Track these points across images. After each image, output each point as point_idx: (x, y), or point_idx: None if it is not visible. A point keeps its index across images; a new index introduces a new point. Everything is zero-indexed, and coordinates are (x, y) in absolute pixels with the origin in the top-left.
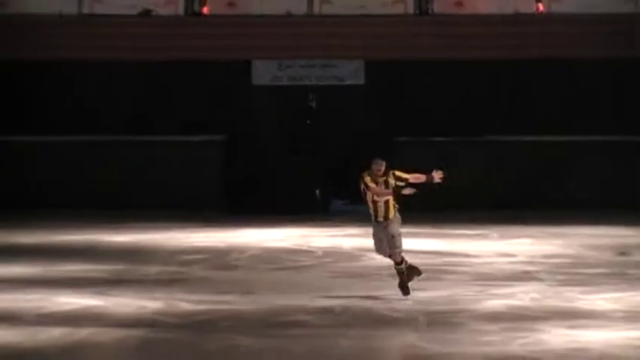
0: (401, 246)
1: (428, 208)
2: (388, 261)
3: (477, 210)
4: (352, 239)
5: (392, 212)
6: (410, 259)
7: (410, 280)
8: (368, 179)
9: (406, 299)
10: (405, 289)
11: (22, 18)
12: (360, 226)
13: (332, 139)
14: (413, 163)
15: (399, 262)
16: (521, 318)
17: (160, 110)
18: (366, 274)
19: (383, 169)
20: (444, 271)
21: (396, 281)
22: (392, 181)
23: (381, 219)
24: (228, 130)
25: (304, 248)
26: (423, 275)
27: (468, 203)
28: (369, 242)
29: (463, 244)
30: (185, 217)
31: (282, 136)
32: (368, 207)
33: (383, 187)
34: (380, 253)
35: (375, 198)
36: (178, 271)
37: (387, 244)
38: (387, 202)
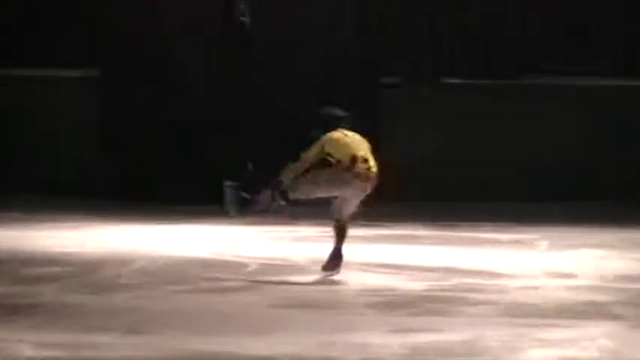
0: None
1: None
2: (364, 279)
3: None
4: (305, 245)
5: None
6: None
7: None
8: None
9: (393, 347)
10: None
11: None
12: (319, 223)
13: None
14: None
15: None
16: None
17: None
18: (327, 303)
19: None
20: (461, 299)
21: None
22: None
23: None
24: (107, 62)
25: (228, 258)
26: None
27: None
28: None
29: (489, 257)
30: (41, 203)
31: (195, 75)
32: None
33: None
34: None
35: None
36: (24, 293)
37: None
38: None
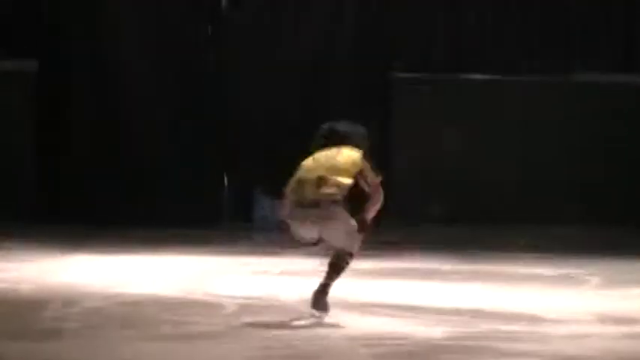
0: None
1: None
2: (370, 324)
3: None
4: (296, 280)
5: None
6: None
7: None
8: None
9: None
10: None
11: None
12: (313, 254)
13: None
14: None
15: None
16: None
17: None
18: (324, 355)
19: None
20: (491, 350)
21: None
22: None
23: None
24: (44, 51)
25: (199, 297)
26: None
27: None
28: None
29: (527, 296)
30: None
31: (159, 74)
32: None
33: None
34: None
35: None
36: None
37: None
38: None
